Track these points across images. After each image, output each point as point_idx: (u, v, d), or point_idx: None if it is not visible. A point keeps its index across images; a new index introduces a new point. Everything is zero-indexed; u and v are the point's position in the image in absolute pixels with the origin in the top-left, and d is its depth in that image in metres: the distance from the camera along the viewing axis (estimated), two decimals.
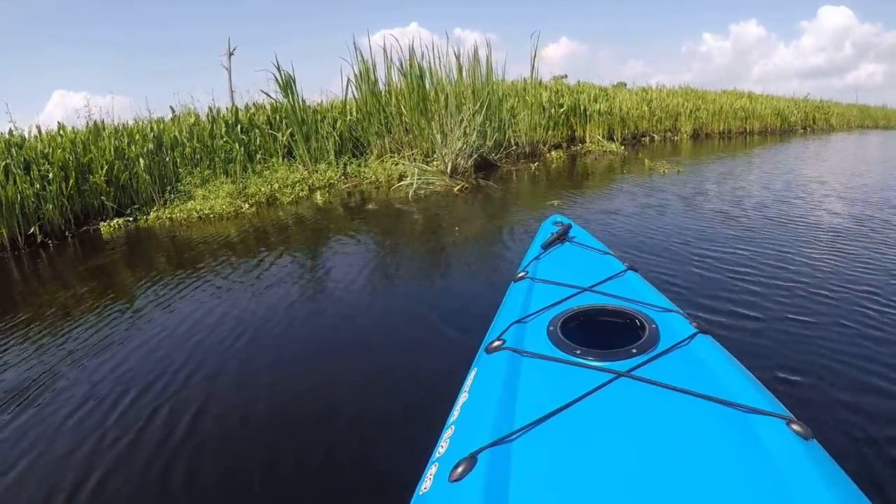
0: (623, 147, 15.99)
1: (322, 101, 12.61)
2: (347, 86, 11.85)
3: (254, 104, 12.07)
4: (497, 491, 1.17)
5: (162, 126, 10.40)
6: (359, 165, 11.23)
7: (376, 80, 11.83)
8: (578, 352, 1.62)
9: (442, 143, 10.25)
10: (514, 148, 13.08)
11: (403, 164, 10.48)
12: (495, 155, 12.01)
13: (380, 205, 8.63)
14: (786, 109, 27.60)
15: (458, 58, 12.09)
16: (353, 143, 11.90)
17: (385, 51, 12.07)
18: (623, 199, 8.00)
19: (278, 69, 10.94)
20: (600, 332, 1.88)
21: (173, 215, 8.72)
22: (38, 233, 7.81)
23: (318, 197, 9.35)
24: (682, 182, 9.56)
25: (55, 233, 8.09)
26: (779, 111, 26.81)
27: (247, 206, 8.87)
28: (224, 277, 5.32)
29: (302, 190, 9.76)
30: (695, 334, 1.74)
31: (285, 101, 11.10)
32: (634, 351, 1.61)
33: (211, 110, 11.23)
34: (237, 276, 5.33)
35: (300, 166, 10.74)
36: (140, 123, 10.53)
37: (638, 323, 1.79)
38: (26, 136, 9.20)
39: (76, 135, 9.44)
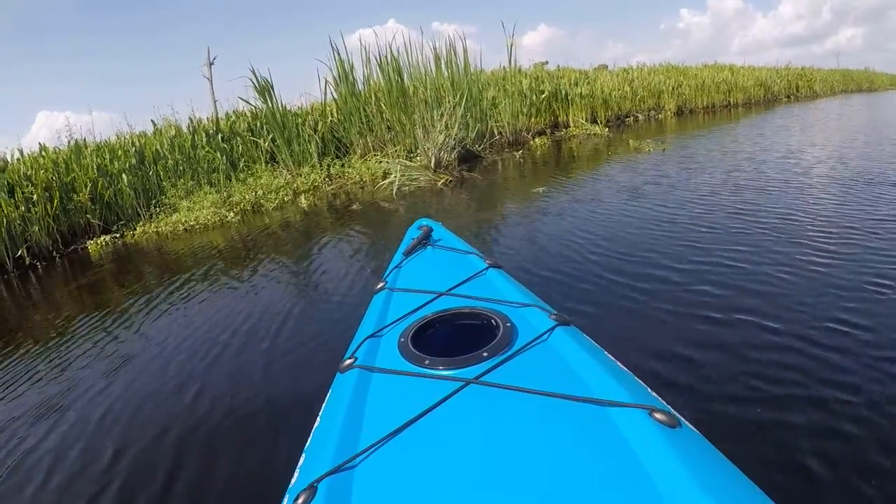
0: (608, 129, 16.03)
1: (302, 105, 12.60)
2: (326, 87, 11.84)
3: (234, 112, 12.06)
4: None
5: (143, 140, 10.40)
6: (342, 166, 11.22)
7: (355, 80, 11.81)
8: (427, 362, 1.56)
9: (424, 137, 10.25)
10: (497, 137, 13.09)
11: (387, 162, 10.47)
12: (479, 146, 12.01)
13: (364, 204, 8.62)
14: (768, 79, 27.71)
15: (435, 51, 12.09)
16: (336, 145, 11.89)
17: (364, 49, 12.02)
18: (607, 183, 7.99)
19: (255, 77, 10.93)
20: (459, 337, 1.83)
21: (159, 229, 8.73)
22: (26, 255, 7.82)
23: (303, 200, 9.33)
24: (665, 160, 9.56)
25: (43, 254, 8.09)
26: (761, 82, 26.91)
27: (232, 214, 8.86)
28: (208, 288, 5.33)
29: (286, 194, 9.75)
30: (553, 328, 1.68)
31: (265, 106, 11.07)
32: (486, 354, 1.54)
33: (192, 121, 11.22)
34: (221, 286, 5.34)
35: (284, 171, 10.74)
36: (121, 139, 10.52)
37: (494, 323, 1.73)
38: (8, 160, 9.19)
39: (58, 155, 9.44)
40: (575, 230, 5.45)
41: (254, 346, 3.73)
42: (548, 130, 15.41)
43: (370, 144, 11.69)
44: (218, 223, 8.57)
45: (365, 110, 11.64)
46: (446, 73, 12.12)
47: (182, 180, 9.86)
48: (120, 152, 9.70)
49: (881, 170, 6.87)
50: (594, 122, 16.60)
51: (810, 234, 4.49)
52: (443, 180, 9.46)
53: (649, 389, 1.48)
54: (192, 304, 4.94)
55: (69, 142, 10.03)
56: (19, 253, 7.79)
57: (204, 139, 10.60)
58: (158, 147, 10.13)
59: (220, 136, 10.83)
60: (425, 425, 1.33)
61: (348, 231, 6.89)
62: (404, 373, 1.55)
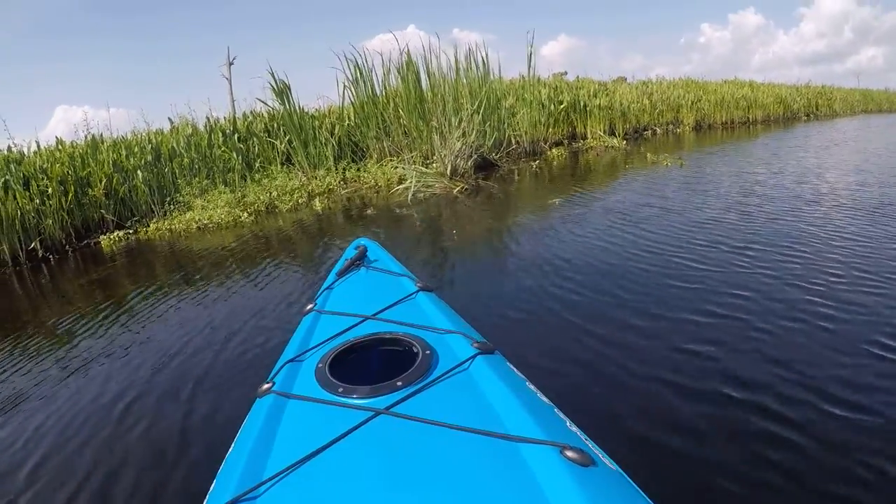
0: (625, 142, 15.90)
1: (320, 107, 12.58)
2: (345, 91, 11.82)
3: (251, 112, 12.05)
4: None
5: (160, 137, 10.40)
6: (358, 170, 11.20)
7: (373, 85, 11.78)
8: (341, 390, 1.54)
9: (441, 144, 10.19)
10: (514, 147, 13.01)
11: (402, 168, 10.41)
12: (495, 154, 11.94)
13: (379, 209, 8.57)
14: (788, 97, 27.48)
15: (455, 57, 12.04)
16: (352, 148, 11.86)
17: (381, 55, 12.04)
18: (626, 196, 7.90)
19: (273, 78, 10.92)
20: (380, 363, 1.84)
21: (173, 226, 8.71)
22: (38, 248, 7.83)
23: (318, 203, 9.29)
24: (684, 176, 9.45)
25: (56, 247, 8.10)
26: (781, 99, 26.69)
27: (246, 214, 8.84)
28: (221, 287, 5.29)
29: (301, 197, 9.71)
30: (474, 356, 1.67)
31: (282, 108, 11.06)
32: (400, 384, 1.53)
33: (209, 120, 11.22)
34: (233, 286, 5.29)
35: (299, 173, 10.70)
36: (138, 135, 10.52)
37: (414, 350, 1.71)
38: (25, 152, 9.21)
39: (74, 149, 9.46)
40: (578, 250, 5.32)
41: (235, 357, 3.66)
42: (565, 141, 15.32)
43: (386, 149, 11.66)
44: (231, 223, 8.55)
45: (382, 115, 11.60)
46: (465, 80, 12.05)
47: (197, 179, 9.84)
48: (136, 148, 9.70)
49: None
50: (612, 134, 16.48)
51: (815, 278, 3.99)
52: (458, 188, 9.39)
53: (568, 424, 1.46)
54: (184, 307, 4.89)
55: (86, 136, 10.05)
56: (32, 245, 7.80)
57: (220, 138, 10.59)
58: (175, 145, 10.13)
59: (236, 136, 10.83)
60: (331, 456, 1.32)
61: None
62: (318, 400, 1.54)
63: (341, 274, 2.58)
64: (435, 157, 10.40)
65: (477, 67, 12.25)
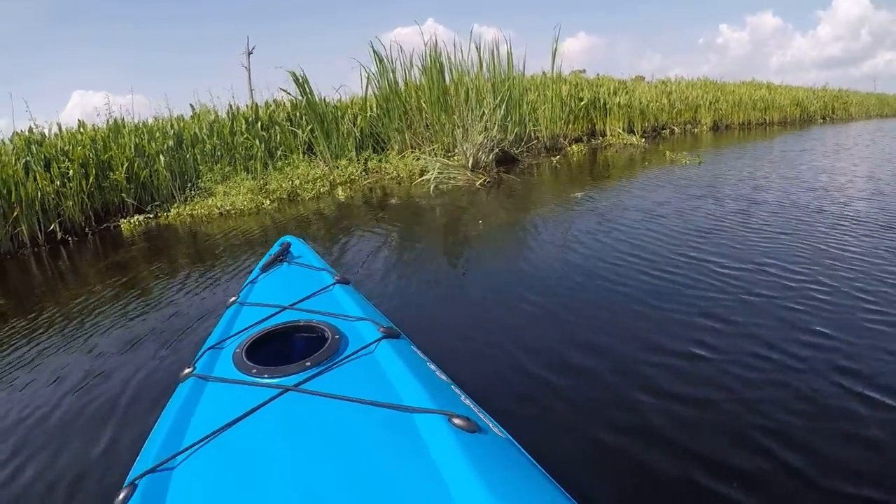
0: (644, 140, 15.87)
1: (341, 98, 12.56)
2: (368, 82, 11.78)
3: (273, 101, 12.04)
4: None
5: (182, 123, 10.40)
6: (380, 161, 11.18)
7: (396, 78, 11.74)
8: (255, 371, 1.66)
9: (463, 137, 10.15)
10: (534, 142, 12.97)
11: (424, 159, 10.38)
12: (516, 149, 11.90)
13: (402, 199, 8.56)
14: (805, 99, 27.42)
15: (478, 51, 12.00)
16: (374, 139, 11.85)
17: (401, 48, 11.99)
18: (646, 192, 7.87)
19: (294, 72, 10.92)
20: (295, 349, 1.93)
21: (194, 212, 8.71)
22: (58, 230, 7.82)
23: (340, 192, 9.28)
24: (702, 174, 9.40)
25: (75, 230, 8.10)
26: (798, 101, 26.62)
27: (268, 202, 8.83)
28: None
29: (323, 186, 9.70)
30: (379, 339, 1.81)
31: (304, 98, 11.04)
32: (308, 364, 1.65)
33: (231, 107, 11.20)
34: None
35: (321, 162, 10.69)
36: (160, 121, 10.52)
37: (325, 335, 1.83)
38: (46, 134, 9.21)
39: (96, 132, 9.46)
40: (595, 243, 5.29)
41: None
42: (585, 137, 15.29)
43: (408, 141, 11.63)
44: (254, 209, 8.54)
45: (405, 107, 11.57)
46: (487, 74, 12.01)
47: (219, 165, 9.83)
48: (158, 134, 9.71)
49: None
50: (631, 132, 16.43)
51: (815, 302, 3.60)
52: (480, 180, 9.35)
53: (462, 398, 1.59)
54: (199, 291, 4.86)
55: (108, 120, 10.04)
56: (52, 227, 7.79)
57: (243, 126, 10.57)
58: (197, 131, 10.12)
59: (259, 124, 10.81)
60: (242, 429, 1.43)
61: (381, 226, 6.76)
62: (233, 381, 1.66)
63: (265, 269, 2.72)
64: (457, 150, 10.38)
65: (500, 62, 12.20)
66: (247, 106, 11.60)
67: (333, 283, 2.39)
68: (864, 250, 4.52)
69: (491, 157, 10.36)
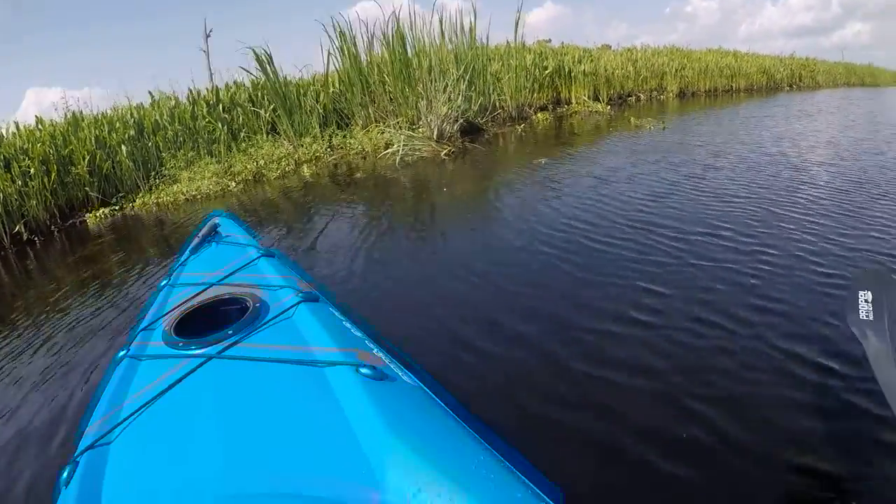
0: (609, 107, 15.94)
1: (302, 75, 12.46)
2: (328, 59, 11.70)
3: (234, 82, 11.91)
4: (91, 489, 1.29)
5: (142, 112, 10.26)
6: (344, 137, 11.09)
7: (357, 52, 11.67)
8: (181, 344, 1.76)
9: (427, 109, 10.14)
10: (499, 111, 12.96)
11: (389, 133, 10.36)
12: (481, 119, 11.89)
13: (367, 173, 8.56)
14: (772, 67, 27.63)
15: (441, 23, 11.96)
16: (338, 116, 11.75)
17: (363, 21, 11.89)
18: (613, 155, 8.00)
19: (255, 51, 10.81)
20: (225, 320, 1.96)
21: (159, 199, 8.62)
22: (23, 230, 7.66)
23: (305, 170, 9.25)
24: (663, 139, 9.55)
25: (41, 229, 7.93)
26: (765, 69, 26.81)
27: (233, 184, 8.78)
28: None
29: (288, 165, 9.63)
30: (297, 304, 1.93)
31: (265, 77, 10.94)
32: (230, 332, 1.77)
33: (191, 92, 11.08)
34: None
35: (285, 141, 10.59)
36: (119, 111, 10.38)
37: (247, 304, 1.95)
38: (4, 134, 9.04)
39: (55, 128, 9.30)
40: (552, 208, 5.41)
41: None
42: (550, 106, 15.30)
43: (372, 115, 11.57)
44: (220, 193, 8.48)
45: (367, 81, 11.51)
46: (450, 45, 11.98)
47: (182, 151, 9.73)
48: (118, 124, 9.57)
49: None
50: (596, 99, 16.49)
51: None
52: (445, 151, 9.37)
53: (375, 351, 1.71)
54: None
55: (66, 114, 9.88)
56: (17, 228, 7.66)
57: (204, 109, 10.46)
58: (158, 118, 9.99)
59: (220, 106, 10.70)
60: (171, 398, 1.54)
61: (348, 202, 6.78)
62: (162, 356, 1.75)
63: (194, 249, 2.78)
64: (421, 122, 10.35)
65: (463, 33, 12.17)
66: (207, 89, 11.47)
67: (259, 256, 2.49)
68: (815, 212, 4.63)
69: (456, 127, 10.34)
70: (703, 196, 5.34)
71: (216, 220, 3.02)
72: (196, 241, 2.82)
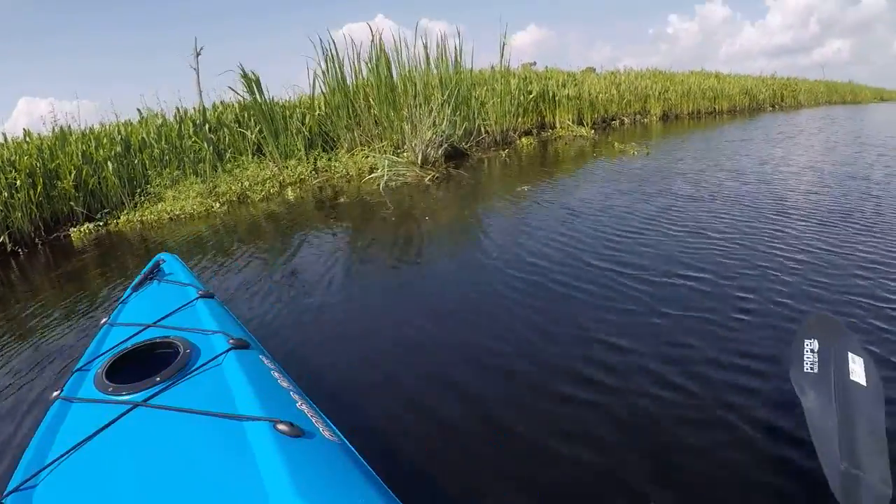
0: (593, 131, 16.16)
1: (290, 97, 12.57)
2: (314, 81, 11.83)
3: (221, 102, 12.00)
4: None
5: (129, 129, 10.33)
6: (329, 160, 11.24)
7: (343, 75, 11.80)
8: (111, 389, 1.79)
9: (412, 133, 10.28)
10: (484, 136, 13.14)
11: (374, 157, 10.50)
12: (466, 144, 12.06)
13: (351, 197, 8.68)
14: (754, 88, 28.03)
15: (426, 48, 12.13)
16: (323, 138, 11.89)
17: (352, 43, 12.02)
18: (593, 184, 8.14)
19: (243, 70, 10.89)
20: (157, 365, 1.98)
21: (144, 217, 8.69)
22: (7, 242, 7.73)
23: (290, 193, 9.36)
24: (649, 164, 9.72)
25: (25, 241, 8.00)
26: (747, 90, 27.19)
27: (217, 204, 8.87)
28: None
29: (273, 186, 9.75)
30: (227, 351, 1.96)
31: (252, 98, 11.04)
32: (158, 379, 1.79)
33: (178, 110, 11.16)
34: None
35: (270, 163, 10.71)
36: (107, 127, 10.44)
37: (178, 350, 1.97)
38: None
39: (42, 141, 9.34)
40: (537, 237, 5.50)
41: None
42: (534, 130, 15.51)
43: (357, 139, 11.71)
44: (204, 213, 8.57)
45: (353, 105, 11.64)
46: (436, 70, 12.14)
47: (168, 169, 9.81)
48: (105, 140, 9.62)
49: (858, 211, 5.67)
50: (580, 123, 16.72)
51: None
52: (429, 176, 9.52)
53: (299, 403, 1.75)
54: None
55: (53, 128, 9.93)
56: (1, 239, 7.71)
57: (191, 129, 10.55)
58: (144, 136, 10.06)
59: (207, 126, 10.79)
60: (95, 445, 1.57)
61: (331, 226, 6.93)
62: (92, 400, 1.79)
63: (136, 288, 2.82)
64: (406, 147, 10.50)
65: (448, 57, 12.35)
66: (194, 108, 11.55)
67: (196, 298, 2.52)
68: (797, 248, 4.47)
69: (440, 152, 10.51)
70: (679, 232, 5.20)
71: (160, 259, 3.07)
72: (139, 279, 2.86)
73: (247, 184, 9.67)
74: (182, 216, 8.52)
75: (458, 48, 12.48)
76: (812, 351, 2.14)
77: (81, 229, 8.48)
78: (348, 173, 10.61)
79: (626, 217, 5.95)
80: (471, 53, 21.78)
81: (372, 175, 9.78)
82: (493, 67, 14.28)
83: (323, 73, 11.70)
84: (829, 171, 8.33)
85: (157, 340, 2.10)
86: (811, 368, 2.07)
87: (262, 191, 9.50)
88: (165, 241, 7.14)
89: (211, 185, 9.57)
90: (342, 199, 8.57)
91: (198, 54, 16.59)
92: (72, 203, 8.73)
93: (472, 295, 4.18)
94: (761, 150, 11.15)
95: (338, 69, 11.67)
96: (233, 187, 9.49)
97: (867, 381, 2.01)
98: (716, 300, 3.61)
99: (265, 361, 2.02)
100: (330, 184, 10.11)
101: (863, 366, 2.08)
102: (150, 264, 2.99)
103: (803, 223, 5.30)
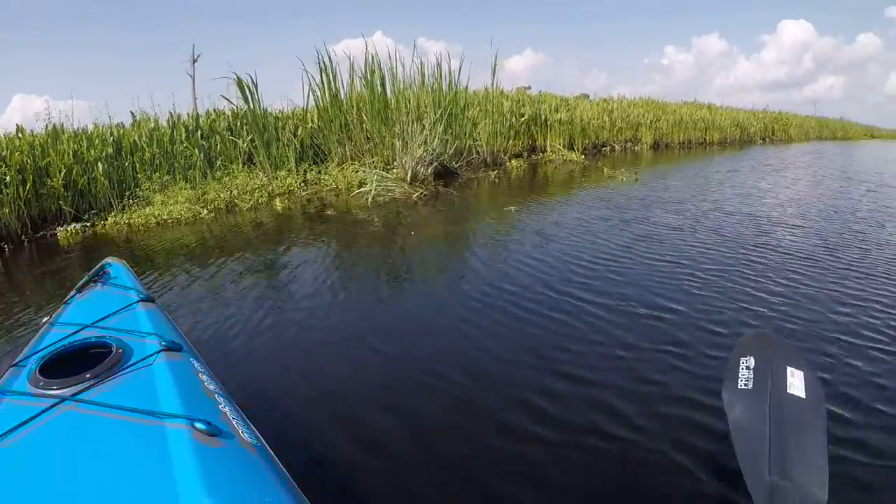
0: (584, 157, 16.35)
1: (283, 108, 12.68)
2: (309, 93, 11.94)
3: (214, 110, 12.08)
4: None
5: (122, 131, 10.37)
6: (319, 172, 11.34)
7: (338, 89, 11.93)
8: (42, 384, 1.83)
9: (402, 150, 10.39)
10: (474, 156, 13.30)
11: (364, 172, 10.60)
12: (456, 163, 12.20)
13: (339, 211, 8.76)
14: (745, 121, 28.37)
15: (420, 66, 12.29)
16: (314, 151, 11.99)
17: (349, 59, 12.16)
18: (578, 208, 8.25)
19: (238, 78, 10.99)
20: (88, 365, 2.01)
21: (131, 220, 8.72)
22: None
23: (278, 203, 9.44)
24: (637, 191, 9.85)
25: (11, 237, 8.01)
26: (738, 122, 27.52)
27: (205, 211, 8.93)
28: (173, 285, 5.31)
29: (262, 196, 9.83)
30: (156, 353, 2.02)
31: (246, 107, 11.14)
32: (88, 376, 1.84)
33: (171, 115, 11.21)
34: (185, 284, 5.34)
35: (260, 173, 10.79)
36: (99, 128, 10.48)
37: (111, 351, 2.02)
38: None
39: (34, 138, 9.37)
40: (519, 259, 5.48)
41: None
42: (525, 153, 15.69)
43: (348, 153, 11.82)
44: (191, 219, 8.62)
45: (346, 119, 11.76)
46: (430, 88, 12.30)
47: (158, 174, 9.85)
48: (97, 141, 9.65)
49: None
50: (571, 148, 16.90)
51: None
52: (417, 193, 9.62)
53: (221, 405, 1.81)
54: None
55: (46, 126, 9.96)
56: None
57: (183, 134, 10.61)
58: (136, 139, 10.10)
59: (199, 132, 10.85)
60: (19, 437, 1.59)
61: (318, 239, 7.00)
62: (21, 393, 1.83)
63: (80, 290, 2.86)
64: (396, 163, 10.61)
65: (442, 77, 12.52)
66: (188, 114, 11.62)
67: (136, 303, 2.57)
68: (780, 294, 4.20)
69: (430, 170, 10.63)
70: (656, 261, 5.15)
71: (107, 263, 3.12)
72: (83, 282, 2.89)
73: (236, 192, 9.74)
74: (169, 221, 8.56)
75: (451, 69, 12.71)
76: (748, 368, 2.12)
77: (68, 229, 8.48)
78: (337, 187, 10.70)
79: (605, 246, 5.85)
80: (467, 73, 22.11)
81: (360, 189, 9.89)
82: (486, 88, 14.46)
83: (317, 85, 11.82)
84: (815, 204, 8.36)
85: (92, 341, 2.15)
86: (745, 385, 2.06)
87: (250, 200, 9.57)
88: (150, 245, 7.18)
89: (200, 191, 9.62)
90: (329, 212, 8.65)
91: (194, 61, 16.64)
92: (60, 202, 8.74)
93: (432, 316, 4.20)
94: (748, 182, 11.26)
95: (332, 82, 11.80)
96: (222, 195, 9.55)
97: (806, 393, 2.02)
98: (686, 334, 3.50)
99: (195, 365, 2.07)
100: (318, 196, 10.19)
101: (802, 378, 2.08)
102: (96, 269, 3.03)
103: (783, 257, 5.26)
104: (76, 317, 2.47)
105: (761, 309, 3.89)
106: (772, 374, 2.08)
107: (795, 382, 2.05)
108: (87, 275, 2.94)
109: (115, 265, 3.13)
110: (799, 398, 2.00)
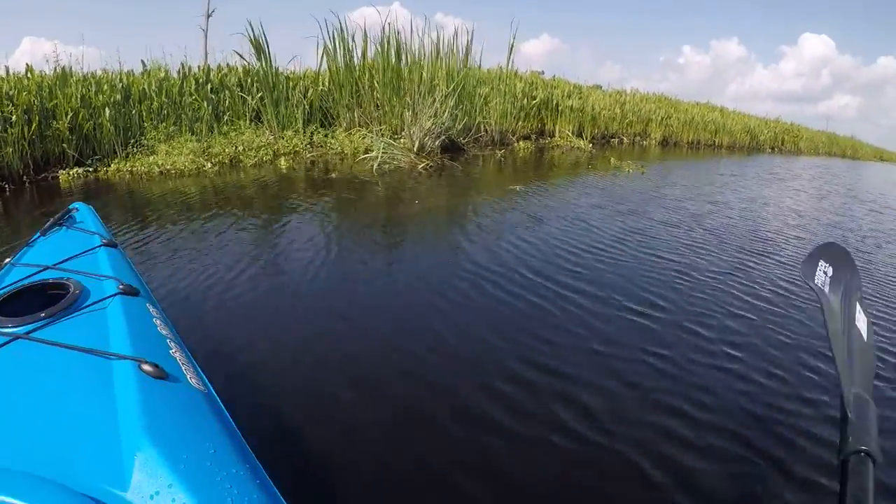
0: (591, 145, 16.24)
1: (295, 69, 12.59)
2: (323, 55, 11.86)
3: (227, 65, 12.00)
4: None
5: (131, 78, 10.30)
6: (326, 136, 11.30)
7: (352, 54, 11.85)
8: None
9: (411, 120, 10.34)
10: (482, 134, 13.23)
11: (371, 139, 10.55)
12: (463, 139, 12.14)
13: (342, 175, 8.74)
14: (756, 128, 28.16)
15: (438, 39, 12.21)
16: (323, 114, 11.92)
17: (363, 26, 12.07)
18: (581, 194, 8.25)
19: (252, 31, 10.91)
20: (46, 304, 2.00)
21: (134, 168, 8.69)
22: None
23: (283, 162, 9.43)
24: (642, 183, 9.83)
25: (13, 178, 7.97)
26: (748, 129, 27.35)
27: (209, 165, 8.90)
28: (172, 236, 5.27)
29: (266, 154, 9.81)
30: (114, 295, 2.02)
31: (257, 64, 11.07)
32: (43, 315, 1.83)
33: (182, 67, 11.13)
34: (186, 235, 5.31)
35: (267, 131, 10.75)
36: (109, 74, 10.40)
37: (69, 290, 2.01)
38: None
39: (43, 79, 9.30)
40: (514, 239, 5.40)
41: None
42: (533, 136, 15.58)
43: (356, 119, 11.76)
44: (195, 171, 8.60)
45: (357, 85, 11.69)
46: (445, 62, 12.22)
47: (164, 124, 9.79)
48: (106, 86, 9.59)
49: None
50: (580, 136, 16.81)
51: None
52: (423, 164, 9.59)
53: (173, 350, 1.79)
54: (155, 247, 4.93)
55: (55, 68, 9.89)
56: None
57: (193, 86, 10.54)
58: (146, 87, 10.03)
59: (209, 86, 10.79)
60: None
61: (317, 201, 6.92)
62: None
63: (44, 232, 2.82)
64: (404, 133, 10.56)
65: (457, 52, 12.43)
66: (199, 67, 11.54)
67: (99, 246, 2.56)
68: (776, 302, 4.10)
69: (437, 143, 10.58)
70: (648, 256, 5.05)
71: (73, 208, 3.09)
72: (48, 225, 2.86)
73: (241, 148, 9.71)
74: (173, 171, 8.54)
75: (468, 43, 12.58)
76: (825, 273, 1.92)
77: (70, 173, 8.45)
78: (343, 151, 10.67)
79: (598, 236, 5.68)
80: (480, 51, 21.91)
81: (366, 156, 9.86)
82: (500, 67, 14.37)
83: (332, 48, 11.74)
84: (816, 217, 8.27)
85: (51, 281, 2.14)
86: (822, 286, 1.86)
87: (255, 157, 9.55)
88: (152, 193, 7.15)
89: (206, 144, 9.59)
90: (333, 175, 8.63)
91: (209, 15, 16.55)
92: (64, 145, 8.70)
93: (411, 290, 4.10)
94: (752, 188, 11.16)
95: (346, 47, 11.71)
96: (227, 150, 9.52)
97: (867, 339, 1.85)
98: (669, 334, 3.39)
99: (150, 309, 2.07)
100: (323, 159, 10.18)
101: (866, 324, 1.91)
102: (62, 212, 3.00)
103: (778, 266, 5.17)
104: (37, 257, 2.46)
105: (752, 317, 3.79)
106: (845, 295, 1.90)
107: (861, 322, 1.89)
108: (54, 217, 2.91)
109: (83, 208, 3.13)
110: (861, 337, 1.84)
